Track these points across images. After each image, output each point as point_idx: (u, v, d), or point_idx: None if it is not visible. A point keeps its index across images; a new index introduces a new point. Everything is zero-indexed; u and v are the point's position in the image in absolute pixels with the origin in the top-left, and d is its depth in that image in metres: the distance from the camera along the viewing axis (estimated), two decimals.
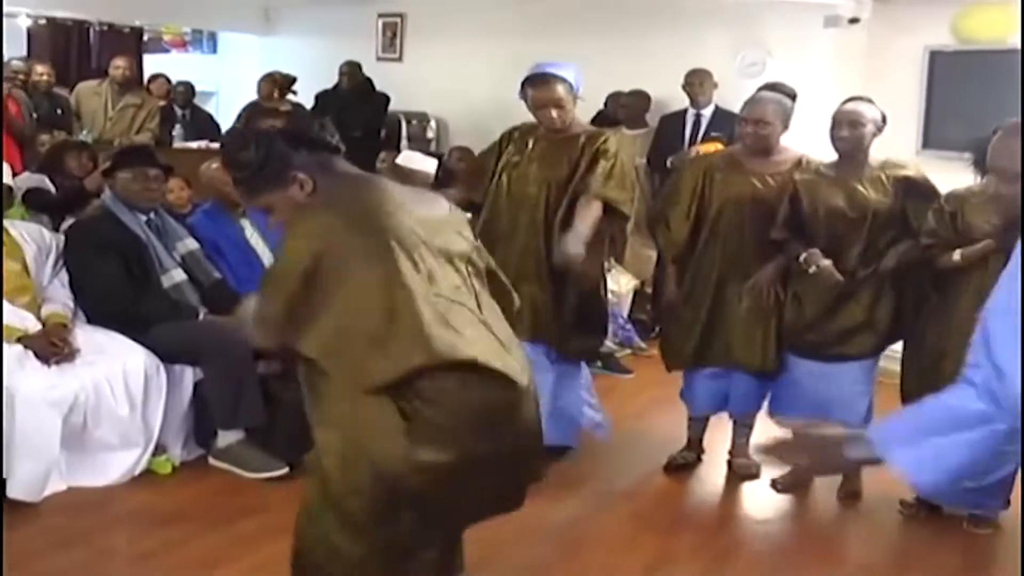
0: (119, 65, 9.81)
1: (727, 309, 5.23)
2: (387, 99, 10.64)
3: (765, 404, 5.41)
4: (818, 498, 5.23)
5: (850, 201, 4.90)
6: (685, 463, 5.58)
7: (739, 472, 5.49)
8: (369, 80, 10.73)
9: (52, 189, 6.68)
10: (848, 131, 4.87)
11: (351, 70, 10.66)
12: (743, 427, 5.54)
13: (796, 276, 5.08)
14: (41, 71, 9.55)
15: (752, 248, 5.15)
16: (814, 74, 8.12)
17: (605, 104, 9.26)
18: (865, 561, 4.68)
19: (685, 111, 8.72)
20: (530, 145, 5.21)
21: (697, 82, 8.59)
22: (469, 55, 10.51)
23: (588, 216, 4.94)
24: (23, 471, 4.67)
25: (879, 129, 4.92)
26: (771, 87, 5.30)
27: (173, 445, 5.27)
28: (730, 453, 5.60)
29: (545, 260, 5.07)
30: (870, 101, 5.00)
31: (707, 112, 8.58)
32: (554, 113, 5.06)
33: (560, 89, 5.04)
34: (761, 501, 5.24)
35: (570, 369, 5.37)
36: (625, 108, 9.17)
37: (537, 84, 5.07)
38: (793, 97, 5.20)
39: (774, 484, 5.28)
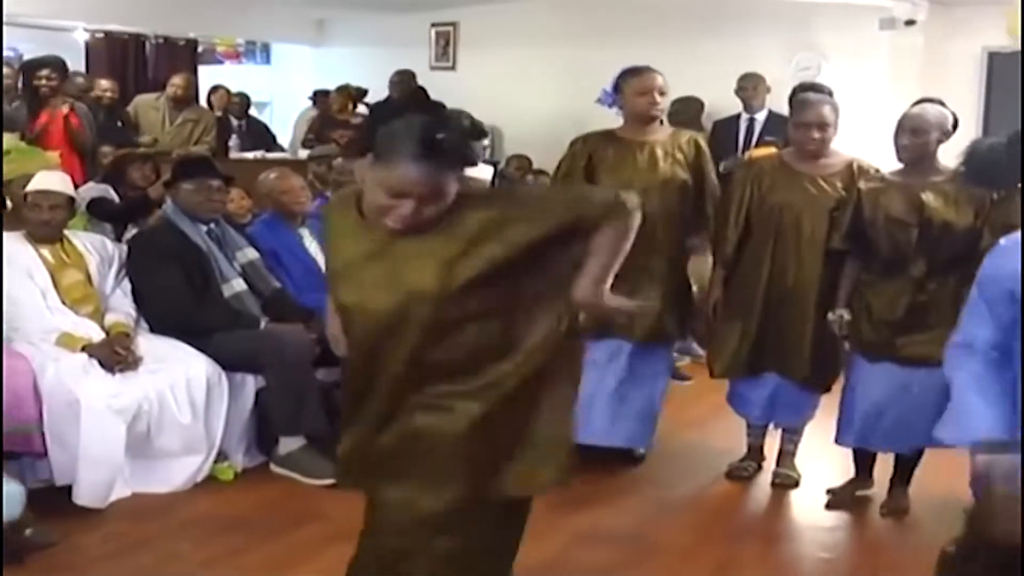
0: (175, 84, 9.89)
1: (776, 316, 5.17)
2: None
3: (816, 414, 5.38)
4: (878, 511, 5.13)
5: (913, 211, 4.73)
6: (747, 474, 5.52)
7: (777, 481, 5.42)
8: (422, 89, 10.73)
9: (116, 199, 6.74)
10: (909, 139, 4.74)
11: (402, 80, 10.67)
12: (791, 436, 5.49)
13: (864, 287, 4.94)
14: (105, 86, 9.67)
15: (805, 254, 5.09)
16: (870, 78, 8.09)
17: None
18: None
19: (739, 116, 8.70)
20: (614, 151, 5.28)
21: (750, 86, 8.56)
22: (522, 63, 10.54)
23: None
24: (88, 478, 4.72)
25: (946, 135, 4.77)
26: (811, 88, 5.27)
27: (235, 452, 5.31)
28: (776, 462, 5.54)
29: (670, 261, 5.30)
30: (941, 103, 4.86)
31: (760, 117, 8.55)
32: (657, 97, 5.18)
33: (660, 79, 5.21)
34: (824, 510, 5.17)
35: (645, 357, 5.38)
36: (677, 114, 9.14)
37: (641, 72, 5.22)
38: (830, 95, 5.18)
39: (828, 500, 5.20)
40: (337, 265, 2.92)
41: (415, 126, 2.62)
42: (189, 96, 10.10)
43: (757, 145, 8.20)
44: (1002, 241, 2.92)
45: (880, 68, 8.18)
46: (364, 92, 10.96)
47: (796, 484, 5.39)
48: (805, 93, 5.18)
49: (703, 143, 5.45)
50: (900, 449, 4.95)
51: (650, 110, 5.22)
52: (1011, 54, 7.40)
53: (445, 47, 12.06)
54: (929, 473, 5.03)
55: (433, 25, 12.10)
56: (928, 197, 4.71)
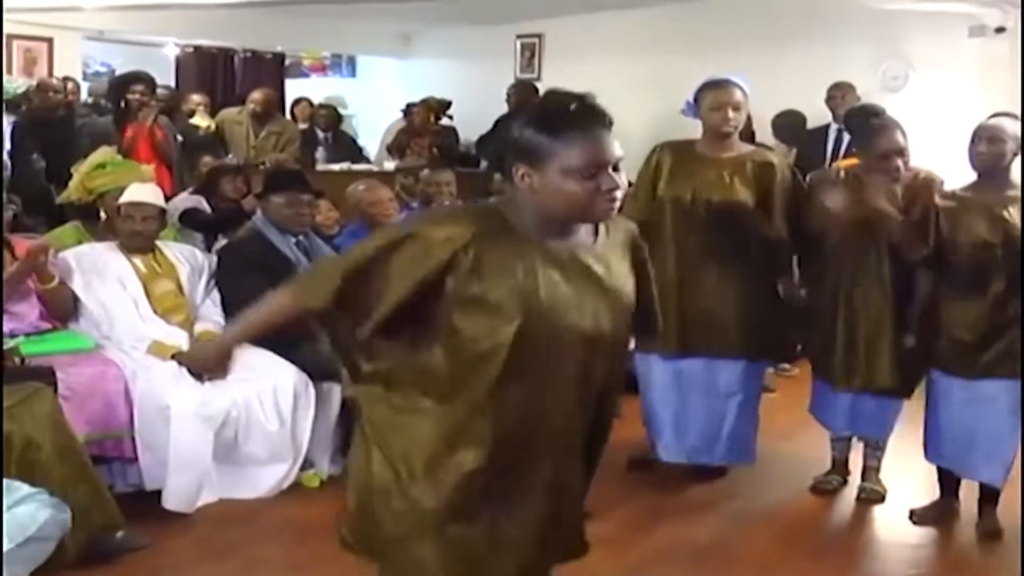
0: (254, 99, 10.00)
1: (856, 324, 5.12)
2: None
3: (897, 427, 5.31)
4: (964, 527, 5.05)
5: (996, 230, 4.64)
6: (831, 488, 5.47)
7: (862, 496, 5.35)
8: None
9: (208, 210, 6.85)
10: (986, 147, 4.66)
11: (519, 91, 10.67)
12: (873, 451, 5.42)
13: (942, 304, 4.86)
14: (197, 101, 9.85)
15: (875, 264, 5.05)
16: (958, 86, 7.98)
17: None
18: None
19: (828, 126, 8.62)
20: (683, 162, 5.23)
21: (839, 96, 8.48)
22: (607, 74, 10.50)
23: None
24: (177, 483, 4.80)
25: (1021, 148, 4.70)
26: (872, 113, 5.27)
27: (321, 460, 5.36)
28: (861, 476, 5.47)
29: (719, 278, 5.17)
30: (1016, 117, 4.81)
31: None
32: (731, 113, 5.09)
33: (738, 94, 5.12)
34: (908, 526, 5.09)
35: (752, 371, 5.37)
36: (779, 127, 9.13)
37: (717, 86, 5.14)
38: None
39: (911, 515, 5.12)
40: (500, 294, 2.48)
41: (575, 100, 2.48)
42: (269, 111, 10.23)
43: (845, 155, 8.12)
44: None
45: (969, 77, 8.07)
46: (447, 104, 11.03)
47: (882, 499, 5.33)
48: (882, 118, 5.19)
49: (780, 167, 5.28)
50: (992, 479, 4.86)
51: (723, 126, 5.13)
52: None
53: (530, 59, 12.09)
54: (1015, 489, 4.94)
55: (518, 37, 12.13)
56: (1008, 214, 4.63)
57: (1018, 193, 4.69)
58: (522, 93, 10.43)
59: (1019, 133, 4.71)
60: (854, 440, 5.52)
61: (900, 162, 4.94)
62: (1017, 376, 4.64)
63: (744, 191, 5.12)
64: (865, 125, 5.15)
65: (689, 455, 5.34)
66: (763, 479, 5.57)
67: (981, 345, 4.72)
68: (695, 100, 5.20)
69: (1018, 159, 4.74)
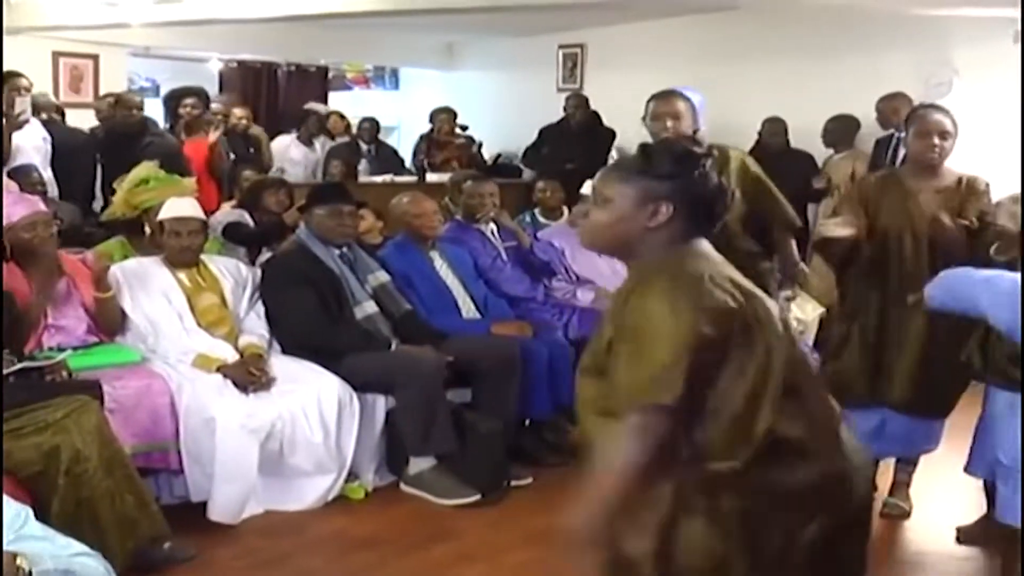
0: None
1: (889, 341, 5.03)
2: (613, 134, 10.41)
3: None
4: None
5: None
6: None
7: (885, 511, 5.24)
8: (596, 114, 10.72)
9: (251, 224, 6.89)
10: None
11: (577, 103, 10.70)
12: (904, 466, 5.34)
13: None
14: (240, 114, 9.93)
15: (912, 275, 4.92)
16: (1004, 92, 7.91)
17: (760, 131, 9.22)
18: None
19: (892, 135, 8.57)
20: None
21: (889, 109, 8.44)
22: (650, 83, 10.34)
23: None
24: (223, 494, 4.83)
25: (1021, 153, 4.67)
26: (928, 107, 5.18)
27: (366, 471, 5.37)
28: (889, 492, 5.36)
29: None
30: None
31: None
32: (669, 123, 4.97)
33: (681, 105, 5.01)
34: (926, 541, 5.06)
35: None
36: (831, 132, 9.10)
37: (658, 97, 5.09)
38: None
39: (957, 534, 5.03)
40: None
41: None
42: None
43: (902, 163, 8.05)
44: None
45: (1013, 82, 7.99)
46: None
47: (906, 515, 5.24)
48: (924, 107, 5.11)
49: (749, 164, 5.20)
50: None
51: (661, 134, 4.93)
52: None
53: (572, 68, 12.10)
54: None
55: (561, 47, 12.14)
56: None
57: None
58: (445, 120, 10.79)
59: None
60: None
61: (939, 142, 4.90)
62: None
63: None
64: (915, 113, 5.10)
65: None
66: None
67: None
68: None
69: None
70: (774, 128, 9.19)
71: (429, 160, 10.75)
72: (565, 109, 10.68)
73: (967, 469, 4.91)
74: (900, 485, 5.34)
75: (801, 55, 9.63)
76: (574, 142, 10.17)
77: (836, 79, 9.30)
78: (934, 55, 8.72)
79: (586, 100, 10.72)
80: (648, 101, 5.10)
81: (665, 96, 5.05)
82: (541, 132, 10.83)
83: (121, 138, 8.16)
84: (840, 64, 9.33)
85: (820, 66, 9.47)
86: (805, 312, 7.65)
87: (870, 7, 8.61)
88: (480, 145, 11.42)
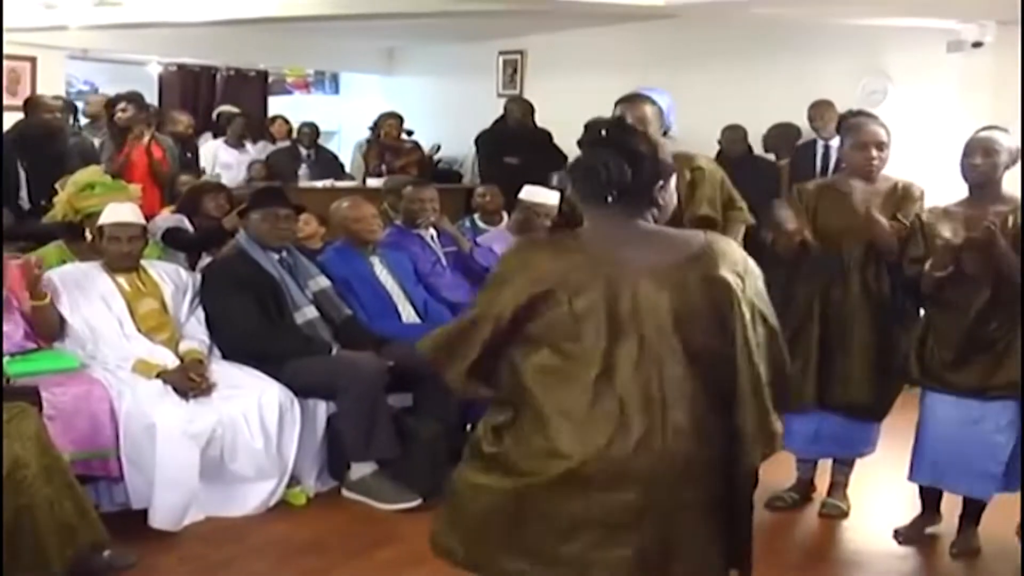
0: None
1: (831, 344, 5.07)
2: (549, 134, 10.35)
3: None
4: (947, 541, 5.00)
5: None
6: (786, 504, 5.41)
7: (823, 511, 5.32)
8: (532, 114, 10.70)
9: (190, 229, 6.86)
10: (981, 159, 4.64)
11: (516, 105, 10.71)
12: (841, 467, 5.40)
13: (928, 318, 4.87)
14: (186, 122, 9.88)
15: (852, 278, 5.03)
16: (939, 101, 8.04)
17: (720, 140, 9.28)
18: None
19: (815, 141, 8.68)
20: None
21: (817, 116, 8.56)
22: (590, 90, 10.48)
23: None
24: (163, 501, 4.79)
25: (1013, 161, 4.70)
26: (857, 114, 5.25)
27: (307, 477, 5.37)
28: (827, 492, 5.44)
29: None
30: (1005, 131, 4.79)
31: (834, 143, 8.49)
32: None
33: (647, 108, 4.95)
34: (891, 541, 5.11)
35: None
36: (771, 139, 9.20)
37: (628, 101, 5.02)
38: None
39: (896, 535, 5.09)
40: None
41: None
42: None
43: (835, 171, 8.16)
44: None
45: (949, 91, 8.13)
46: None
47: (844, 515, 5.31)
48: (858, 117, 5.17)
49: (702, 171, 5.10)
50: (974, 493, 4.84)
51: None
52: None
53: (512, 75, 12.15)
54: (997, 510, 4.91)
55: (501, 53, 12.19)
56: (995, 228, 4.53)
57: (1006, 208, 4.66)
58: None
59: (1011, 146, 4.71)
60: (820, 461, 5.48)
61: (876, 153, 4.99)
62: (1007, 393, 4.63)
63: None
64: (849, 122, 5.17)
65: None
66: None
67: (965, 360, 4.69)
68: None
69: (1011, 172, 4.75)
70: (734, 135, 9.23)
71: (388, 166, 10.72)
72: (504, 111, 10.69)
73: (911, 478, 4.98)
74: (838, 486, 5.40)
75: (740, 63, 9.73)
76: (514, 144, 10.15)
77: (774, 87, 9.43)
78: (870, 64, 8.85)
79: (525, 102, 10.74)
80: (616, 104, 5.06)
81: (631, 100, 5.03)
82: (477, 139, 10.80)
83: (39, 140, 8.09)
84: (778, 72, 9.45)
85: (759, 74, 9.58)
86: None
87: (807, 16, 8.71)
88: (438, 148, 11.46)
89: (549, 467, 2.73)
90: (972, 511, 4.93)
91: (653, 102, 4.97)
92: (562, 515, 2.74)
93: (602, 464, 2.68)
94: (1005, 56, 7.73)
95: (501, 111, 10.85)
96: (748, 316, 2.72)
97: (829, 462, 5.43)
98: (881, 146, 5.02)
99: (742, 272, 2.76)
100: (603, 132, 2.82)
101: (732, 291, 2.70)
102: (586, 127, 2.87)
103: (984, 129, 4.82)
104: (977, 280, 4.60)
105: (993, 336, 4.64)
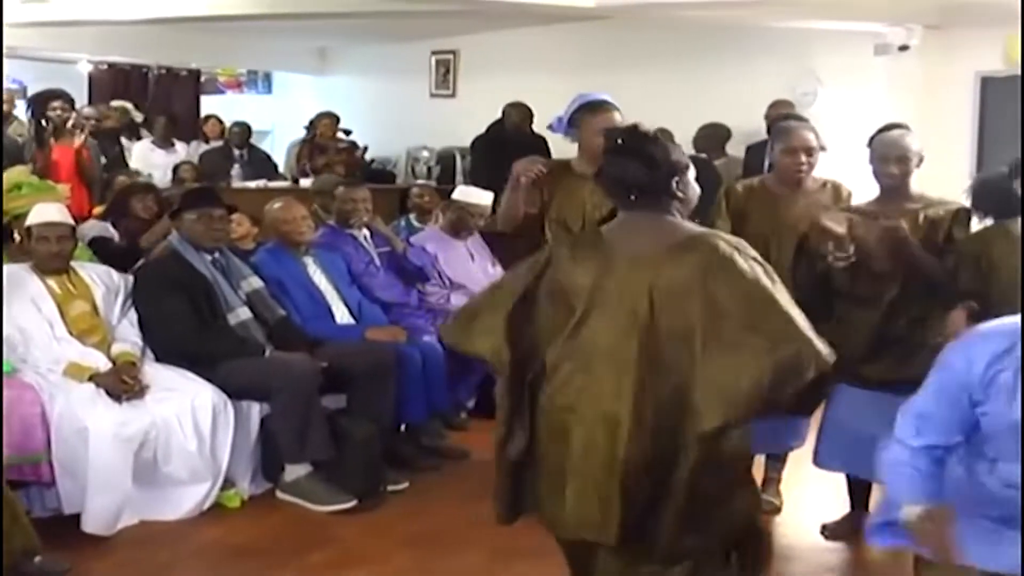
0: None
1: None
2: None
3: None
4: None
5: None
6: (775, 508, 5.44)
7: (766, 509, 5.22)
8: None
9: (115, 235, 6.68)
10: (897, 168, 4.70)
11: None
12: (774, 463, 5.45)
13: (843, 309, 4.89)
14: (111, 115, 9.78)
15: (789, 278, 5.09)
16: (867, 102, 8.15)
17: None
18: None
19: (766, 141, 8.76)
20: (565, 184, 5.05)
21: (775, 112, 8.63)
22: (522, 90, 10.60)
23: None
24: (96, 506, 4.77)
25: (920, 162, 4.76)
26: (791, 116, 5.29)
27: (241, 479, 5.35)
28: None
29: None
30: (907, 128, 4.87)
31: None
32: None
33: (619, 117, 4.99)
34: (796, 535, 5.18)
35: None
36: (702, 139, 9.25)
37: (599, 110, 5.02)
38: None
39: (823, 530, 5.16)
40: None
41: None
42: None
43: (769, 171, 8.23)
44: (976, 331, 2.97)
45: (877, 92, 8.25)
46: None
47: (777, 511, 5.36)
48: (788, 121, 5.23)
49: None
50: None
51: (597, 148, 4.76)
52: (1004, 79, 7.47)
53: (445, 75, 12.18)
54: None
55: (433, 53, 12.21)
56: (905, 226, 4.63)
57: (917, 205, 4.73)
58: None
59: (918, 149, 4.76)
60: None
61: (806, 159, 5.05)
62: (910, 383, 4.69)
63: None
64: (779, 126, 5.22)
65: None
66: None
67: (877, 355, 4.76)
68: (571, 121, 5.09)
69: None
70: (666, 138, 9.24)
71: (312, 165, 10.70)
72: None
73: (816, 461, 5.05)
74: (771, 482, 5.45)
75: (672, 64, 9.82)
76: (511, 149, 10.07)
77: (708, 89, 9.51)
78: (801, 66, 8.95)
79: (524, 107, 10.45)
80: (580, 112, 5.04)
81: (608, 109, 5.03)
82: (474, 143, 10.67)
83: None
84: (710, 73, 9.54)
85: (691, 75, 9.67)
86: None
87: (738, 20, 8.80)
88: (365, 149, 11.43)
89: None
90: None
91: (618, 109, 5.02)
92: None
93: None
94: (930, 59, 7.88)
95: (433, 111, 10.85)
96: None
97: (762, 459, 5.48)
98: (810, 151, 5.07)
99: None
100: (620, 140, 3.36)
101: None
102: (606, 136, 3.48)
103: (889, 129, 4.86)
104: (886, 276, 4.68)
105: (903, 330, 4.72)
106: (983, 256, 4.37)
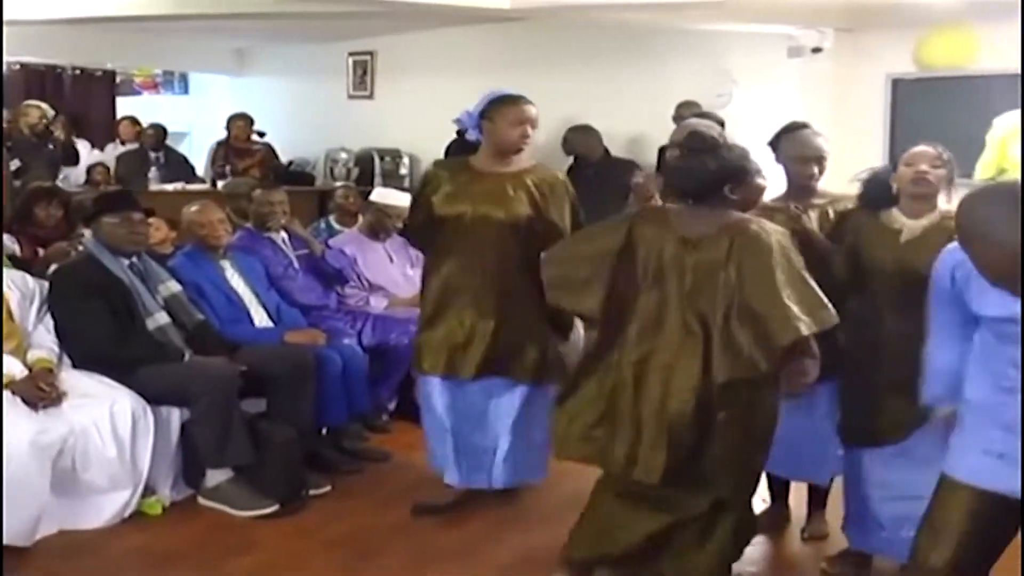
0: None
1: None
2: None
3: None
4: (795, 530, 5.16)
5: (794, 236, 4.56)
6: None
7: None
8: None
9: (17, 248, 6.46)
10: (818, 167, 4.81)
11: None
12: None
13: None
14: (31, 112, 9.64)
15: None
16: (781, 103, 8.27)
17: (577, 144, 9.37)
18: None
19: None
20: (460, 181, 5.04)
21: (688, 113, 8.70)
22: (440, 90, 10.62)
23: None
24: (14, 516, 4.68)
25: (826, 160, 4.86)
26: (699, 115, 5.36)
27: (162, 486, 5.30)
28: None
29: (502, 297, 4.96)
30: (811, 127, 4.96)
31: None
32: (530, 130, 4.96)
33: (534, 111, 4.99)
34: None
35: (536, 394, 5.12)
36: (569, 142, 9.35)
37: (516, 101, 4.99)
38: (721, 125, 5.23)
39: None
40: None
41: None
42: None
43: None
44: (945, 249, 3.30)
45: (791, 94, 8.38)
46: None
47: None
48: (688, 121, 5.30)
49: (564, 187, 5.10)
50: (813, 479, 5.01)
51: (521, 143, 4.96)
52: (914, 80, 7.63)
53: (363, 76, 12.17)
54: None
55: (351, 54, 12.20)
56: (808, 219, 4.69)
57: (824, 201, 4.80)
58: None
59: (827, 148, 4.85)
60: None
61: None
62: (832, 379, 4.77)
63: (524, 207, 4.94)
64: (682, 125, 5.28)
65: (469, 478, 5.17)
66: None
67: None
68: (481, 114, 5.02)
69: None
70: (590, 139, 9.32)
71: (230, 167, 10.64)
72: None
73: None
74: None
75: (588, 66, 9.89)
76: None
77: (622, 89, 9.59)
78: (716, 67, 9.05)
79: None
80: (493, 104, 4.99)
81: (523, 102, 4.99)
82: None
83: None
84: (626, 75, 9.63)
85: (607, 76, 9.74)
86: None
87: (653, 21, 8.88)
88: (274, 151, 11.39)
89: None
90: (817, 497, 5.11)
91: (532, 103, 5.00)
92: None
93: None
94: (843, 61, 8.02)
95: (351, 112, 10.84)
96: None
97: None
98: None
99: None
100: (684, 147, 4.12)
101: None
102: (690, 135, 4.28)
103: (795, 128, 4.93)
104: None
105: None
106: (856, 245, 4.42)
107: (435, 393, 5.13)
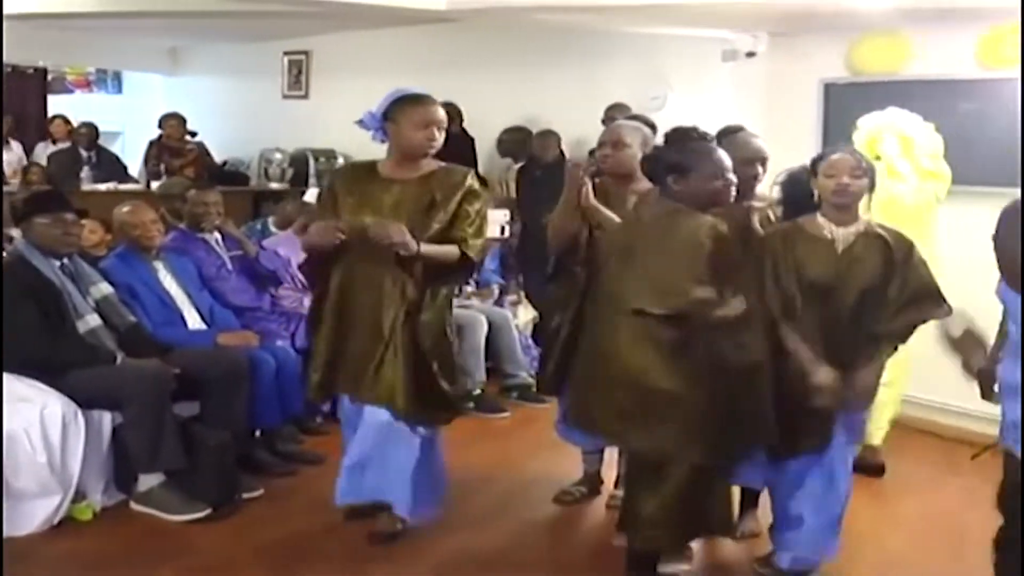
0: None
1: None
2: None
3: None
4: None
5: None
6: (574, 498, 5.56)
7: (612, 504, 5.36)
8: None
9: None
10: (762, 168, 4.87)
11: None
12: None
13: None
14: None
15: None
16: (715, 107, 8.31)
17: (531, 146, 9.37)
18: None
19: None
20: (365, 187, 4.84)
21: (620, 116, 8.73)
22: (375, 91, 10.42)
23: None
24: None
25: None
26: (629, 118, 5.40)
27: (93, 491, 5.25)
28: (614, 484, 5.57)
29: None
30: (742, 128, 5.03)
31: None
32: (437, 133, 4.71)
33: (443, 112, 4.78)
34: None
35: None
36: (504, 144, 9.37)
37: (423, 102, 4.75)
38: (652, 127, 5.26)
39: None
40: None
41: None
42: None
43: None
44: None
45: (725, 97, 8.43)
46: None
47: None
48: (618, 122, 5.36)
49: (473, 184, 4.81)
50: (745, 482, 4.95)
51: (428, 146, 4.70)
52: (846, 85, 7.70)
53: (298, 76, 12.12)
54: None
55: (286, 54, 12.15)
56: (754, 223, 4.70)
57: (763, 204, 4.83)
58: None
59: (768, 152, 4.92)
60: (607, 453, 5.62)
61: (612, 151, 5.12)
62: None
63: (438, 211, 4.72)
64: (610, 126, 5.33)
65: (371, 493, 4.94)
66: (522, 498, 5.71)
67: None
68: (385, 115, 4.78)
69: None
70: (545, 141, 9.32)
71: (166, 167, 10.55)
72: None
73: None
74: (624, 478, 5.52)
75: (524, 67, 9.90)
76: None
77: (558, 91, 9.62)
78: (652, 71, 9.09)
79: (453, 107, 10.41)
80: (398, 104, 4.75)
81: (431, 102, 4.75)
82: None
83: None
84: (562, 76, 9.65)
85: (542, 78, 9.77)
86: (520, 317, 8.01)
87: (588, 23, 8.90)
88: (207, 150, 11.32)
89: None
90: (749, 497, 5.18)
91: (438, 103, 4.83)
92: None
93: None
94: (776, 65, 8.09)
95: (285, 112, 10.82)
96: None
97: (615, 455, 5.57)
98: (618, 145, 5.12)
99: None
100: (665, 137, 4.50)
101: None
102: (673, 130, 4.49)
103: (734, 131, 4.98)
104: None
105: None
106: (786, 254, 4.38)
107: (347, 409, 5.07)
